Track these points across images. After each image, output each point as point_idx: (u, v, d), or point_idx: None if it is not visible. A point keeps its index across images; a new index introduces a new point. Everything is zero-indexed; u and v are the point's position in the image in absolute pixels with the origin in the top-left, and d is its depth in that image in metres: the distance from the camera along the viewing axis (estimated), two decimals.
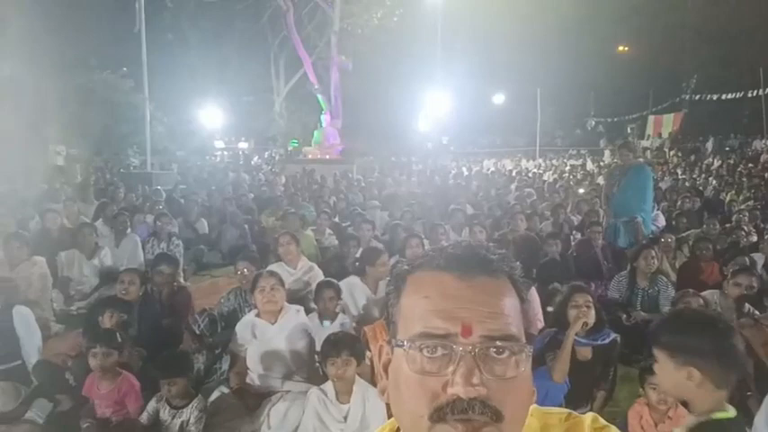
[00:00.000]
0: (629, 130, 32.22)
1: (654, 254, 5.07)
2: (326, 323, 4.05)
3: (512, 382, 0.73)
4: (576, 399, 3.41)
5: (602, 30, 30.68)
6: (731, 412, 1.69)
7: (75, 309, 5.75)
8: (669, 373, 1.77)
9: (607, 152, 29.43)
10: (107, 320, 3.88)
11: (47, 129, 22.64)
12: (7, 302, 3.92)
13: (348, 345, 3.07)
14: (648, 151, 27.30)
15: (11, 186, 12.50)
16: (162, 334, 4.22)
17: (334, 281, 4.32)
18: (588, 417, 0.88)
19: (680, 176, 17.62)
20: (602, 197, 7.79)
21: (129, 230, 7.00)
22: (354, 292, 4.56)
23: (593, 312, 3.43)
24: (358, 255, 5.42)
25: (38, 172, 16.79)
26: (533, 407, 0.83)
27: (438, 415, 0.71)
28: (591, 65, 31.56)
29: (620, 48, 37.27)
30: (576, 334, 3.37)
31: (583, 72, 31.33)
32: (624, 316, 4.76)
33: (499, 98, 37.83)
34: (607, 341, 3.50)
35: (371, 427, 2.97)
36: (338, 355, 3.03)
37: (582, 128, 36.98)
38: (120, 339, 3.44)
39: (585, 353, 3.48)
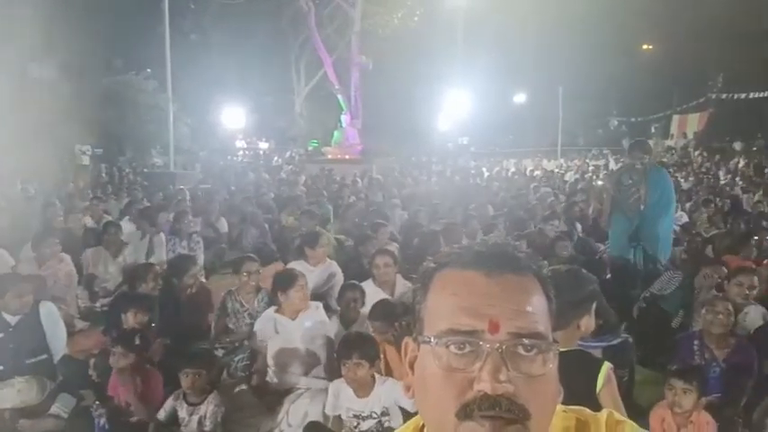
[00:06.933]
0: (652, 130, 31.64)
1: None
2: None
3: (539, 380, 0.73)
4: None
5: (625, 27, 30.10)
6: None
7: (99, 306, 5.85)
8: None
9: None
10: (131, 319, 3.94)
11: (73, 129, 23.11)
12: (35, 298, 4.00)
13: (359, 346, 3.06)
14: (673, 151, 26.82)
15: (39, 185, 12.80)
16: (183, 329, 4.28)
17: (359, 284, 4.30)
18: (604, 413, 0.88)
19: (704, 177, 17.28)
20: (607, 203, 6.08)
21: (152, 228, 7.11)
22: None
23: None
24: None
25: (64, 171, 17.17)
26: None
27: (465, 412, 0.71)
28: (614, 63, 30.95)
29: (644, 46, 36.58)
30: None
31: (605, 70, 30.79)
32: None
33: (520, 97, 37.49)
34: (616, 342, 3.43)
35: (395, 419, 2.98)
36: (349, 357, 3.03)
37: (604, 127, 36.40)
38: (138, 341, 3.47)
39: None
